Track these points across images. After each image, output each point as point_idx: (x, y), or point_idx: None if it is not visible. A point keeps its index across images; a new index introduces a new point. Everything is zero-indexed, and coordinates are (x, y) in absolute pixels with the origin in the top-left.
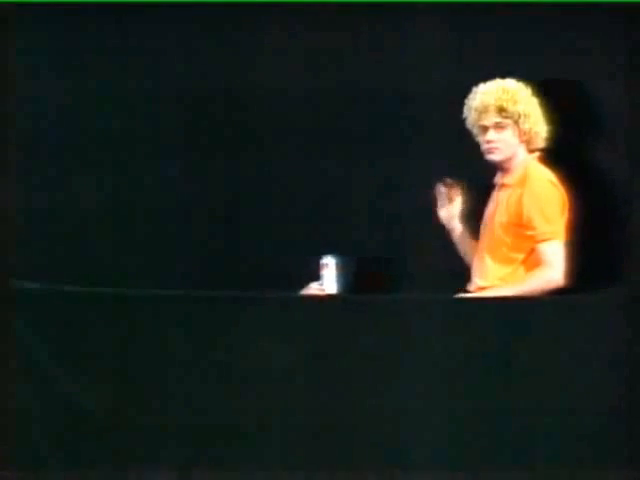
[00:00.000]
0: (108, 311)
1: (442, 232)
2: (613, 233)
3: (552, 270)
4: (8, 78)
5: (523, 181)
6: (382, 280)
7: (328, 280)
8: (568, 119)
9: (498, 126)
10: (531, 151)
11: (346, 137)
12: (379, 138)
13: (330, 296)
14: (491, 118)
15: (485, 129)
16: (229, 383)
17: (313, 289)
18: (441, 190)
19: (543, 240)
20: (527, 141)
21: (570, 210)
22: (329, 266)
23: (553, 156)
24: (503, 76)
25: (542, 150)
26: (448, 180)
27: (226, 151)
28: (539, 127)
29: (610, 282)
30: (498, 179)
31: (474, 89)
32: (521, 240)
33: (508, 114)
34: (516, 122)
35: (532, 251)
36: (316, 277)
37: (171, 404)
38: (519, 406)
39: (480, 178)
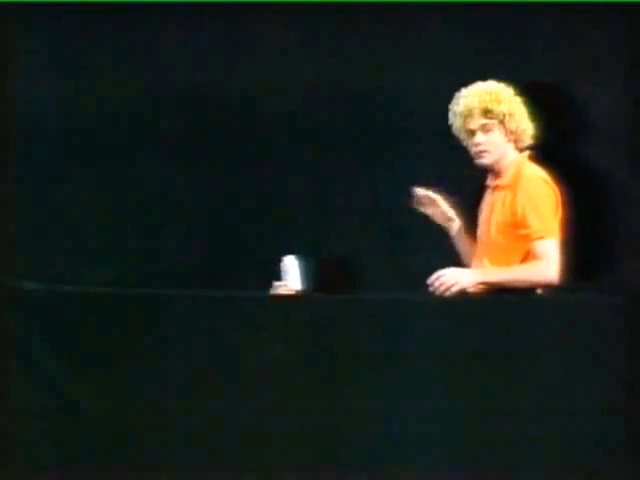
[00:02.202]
0: (108, 311)
1: (437, 231)
2: (611, 232)
3: (547, 265)
4: (8, 78)
5: (516, 181)
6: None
7: (292, 278)
8: (567, 119)
9: (485, 128)
10: (520, 150)
11: (344, 137)
12: (373, 138)
13: (327, 296)
14: (477, 121)
15: (472, 133)
16: (229, 383)
17: (279, 288)
18: (418, 196)
19: (538, 238)
20: (515, 140)
21: (566, 208)
22: (291, 265)
23: (550, 155)
24: (502, 76)
25: (532, 148)
26: (419, 188)
27: (226, 151)
28: (525, 125)
29: (608, 281)
30: (490, 181)
31: (456, 94)
32: (517, 240)
33: (493, 115)
34: (502, 122)
35: (528, 252)
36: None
37: (171, 404)
38: (519, 406)
39: (473, 179)
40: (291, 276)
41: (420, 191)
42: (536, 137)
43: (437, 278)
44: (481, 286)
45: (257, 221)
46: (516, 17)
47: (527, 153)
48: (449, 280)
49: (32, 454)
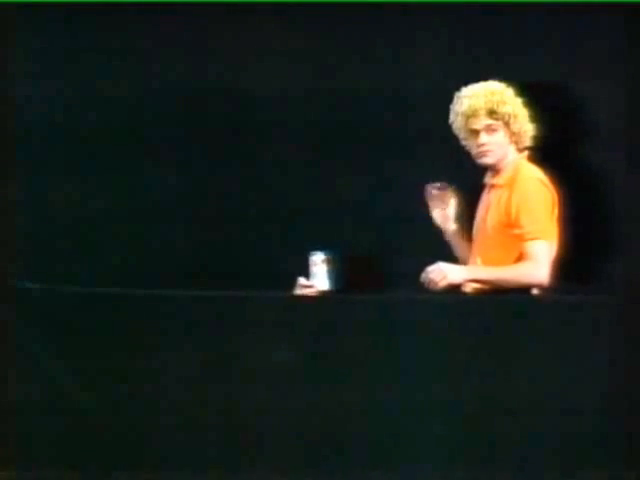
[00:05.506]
0: (108, 311)
1: (436, 232)
2: (610, 232)
3: (536, 266)
4: (8, 78)
5: (513, 181)
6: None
7: (319, 276)
8: (566, 119)
9: (489, 129)
10: (520, 150)
11: (342, 137)
12: (372, 138)
13: (328, 296)
14: (482, 121)
15: (475, 133)
16: (229, 383)
17: (301, 285)
18: (433, 193)
19: (529, 239)
20: (516, 141)
21: (564, 209)
22: (319, 262)
23: (549, 155)
24: (502, 76)
25: (531, 149)
26: (440, 184)
27: (226, 151)
28: (527, 126)
29: (607, 281)
30: (488, 180)
31: (457, 94)
32: (511, 240)
33: (499, 116)
34: (506, 123)
35: (522, 252)
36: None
37: (171, 404)
38: (518, 406)
39: (470, 179)
40: (319, 276)
41: (440, 185)
42: (535, 138)
43: (427, 274)
44: (471, 284)
45: (258, 221)
46: (516, 17)
47: (526, 153)
48: (437, 275)
49: (32, 454)
